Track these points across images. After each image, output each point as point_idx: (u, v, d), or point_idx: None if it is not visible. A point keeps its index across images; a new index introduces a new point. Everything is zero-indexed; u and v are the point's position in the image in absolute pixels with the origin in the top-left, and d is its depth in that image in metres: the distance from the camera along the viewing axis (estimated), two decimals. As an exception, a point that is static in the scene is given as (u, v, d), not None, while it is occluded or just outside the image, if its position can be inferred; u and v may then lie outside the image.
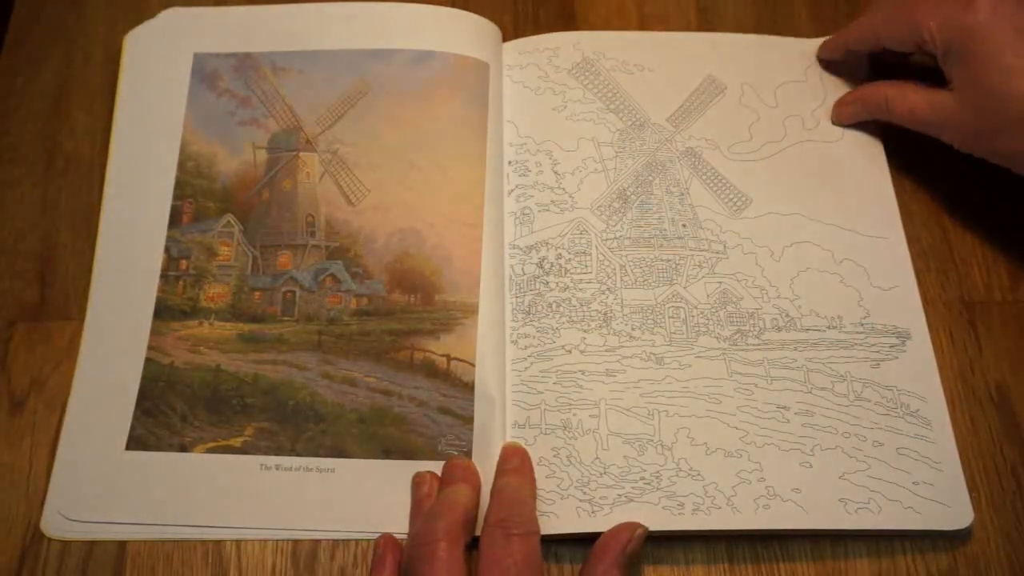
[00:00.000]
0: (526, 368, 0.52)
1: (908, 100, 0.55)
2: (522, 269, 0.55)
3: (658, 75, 0.61)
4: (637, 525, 0.45)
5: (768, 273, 0.54)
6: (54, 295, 0.55)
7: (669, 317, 0.53)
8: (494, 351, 0.52)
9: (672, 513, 0.47)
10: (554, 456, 0.49)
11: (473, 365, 0.52)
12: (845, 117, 0.59)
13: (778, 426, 0.50)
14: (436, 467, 0.49)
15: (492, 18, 0.61)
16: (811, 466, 0.49)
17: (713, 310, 0.53)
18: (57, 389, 0.52)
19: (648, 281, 0.54)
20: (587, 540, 0.48)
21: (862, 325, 0.53)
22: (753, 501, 0.48)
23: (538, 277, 0.54)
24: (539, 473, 0.49)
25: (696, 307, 0.54)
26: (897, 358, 0.52)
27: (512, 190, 0.57)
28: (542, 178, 0.57)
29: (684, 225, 0.56)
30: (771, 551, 0.48)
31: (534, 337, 0.53)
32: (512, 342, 0.53)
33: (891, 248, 0.55)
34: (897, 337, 0.53)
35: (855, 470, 0.49)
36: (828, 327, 0.53)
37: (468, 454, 0.50)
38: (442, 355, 0.52)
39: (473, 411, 0.51)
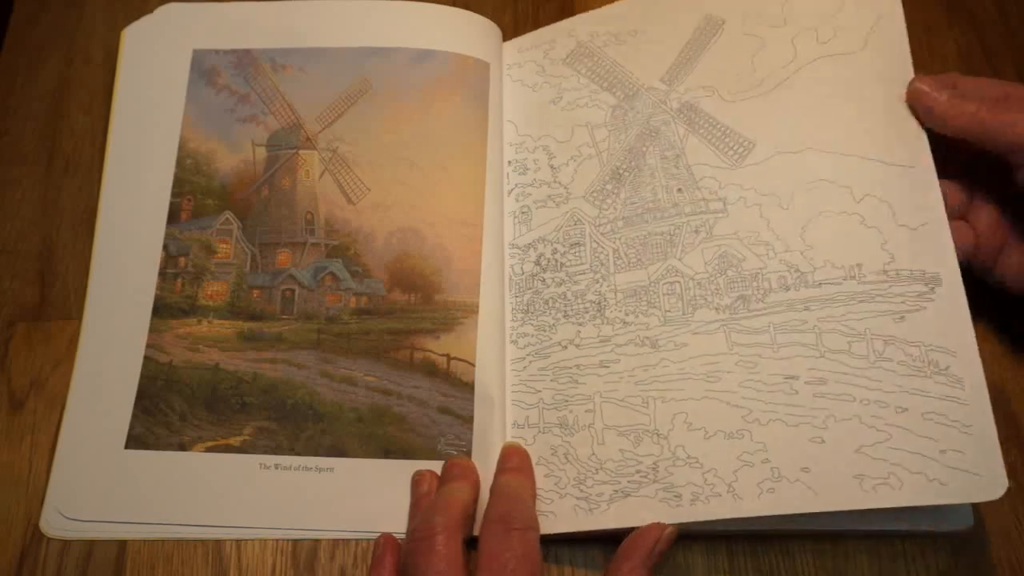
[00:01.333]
0: (525, 367, 0.52)
1: None
2: (521, 268, 0.54)
3: (651, 34, 0.58)
4: (666, 525, 0.45)
5: (775, 225, 0.50)
6: (54, 295, 0.55)
7: (664, 294, 0.51)
8: (494, 351, 0.52)
9: (670, 505, 0.46)
10: (552, 455, 0.49)
11: (473, 365, 0.52)
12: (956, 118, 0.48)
13: (785, 399, 0.46)
14: (436, 467, 0.49)
15: (492, 17, 0.61)
16: (823, 441, 0.45)
17: (711, 278, 0.50)
18: (57, 389, 0.52)
19: (642, 260, 0.52)
20: (587, 540, 0.48)
21: (885, 273, 0.47)
22: (756, 486, 0.45)
23: (536, 275, 0.54)
24: (538, 472, 0.49)
25: (692, 278, 0.50)
26: (925, 308, 0.46)
27: (512, 189, 0.57)
28: (539, 174, 0.56)
29: (679, 190, 0.53)
30: (771, 551, 0.48)
31: (532, 336, 0.52)
32: (512, 342, 0.53)
33: (920, 177, 0.48)
34: (925, 284, 0.46)
35: (874, 441, 0.44)
36: (846, 278, 0.47)
37: (468, 454, 0.50)
38: (442, 355, 0.52)
39: (473, 411, 0.51)
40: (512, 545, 0.43)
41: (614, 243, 0.53)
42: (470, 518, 0.46)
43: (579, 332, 0.51)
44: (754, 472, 0.45)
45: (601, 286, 0.52)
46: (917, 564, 0.47)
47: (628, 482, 0.47)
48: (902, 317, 0.46)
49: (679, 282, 0.51)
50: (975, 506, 0.47)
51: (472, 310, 0.53)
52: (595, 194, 0.55)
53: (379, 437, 0.50)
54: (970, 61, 0.61)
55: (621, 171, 0.55)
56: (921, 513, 0.47)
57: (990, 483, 0.42)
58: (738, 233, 0.50)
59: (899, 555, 0.47)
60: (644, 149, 0.55)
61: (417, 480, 0.49)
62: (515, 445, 0.50)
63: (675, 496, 0.46)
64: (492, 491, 0.47)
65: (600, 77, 0.58)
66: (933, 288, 0.46)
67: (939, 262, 0.47)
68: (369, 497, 0.49)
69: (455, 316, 0.53)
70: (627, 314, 0.51)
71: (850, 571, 0.47)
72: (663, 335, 0.50)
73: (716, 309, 0.49)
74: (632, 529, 0.45)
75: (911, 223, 0.48)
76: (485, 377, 0.51)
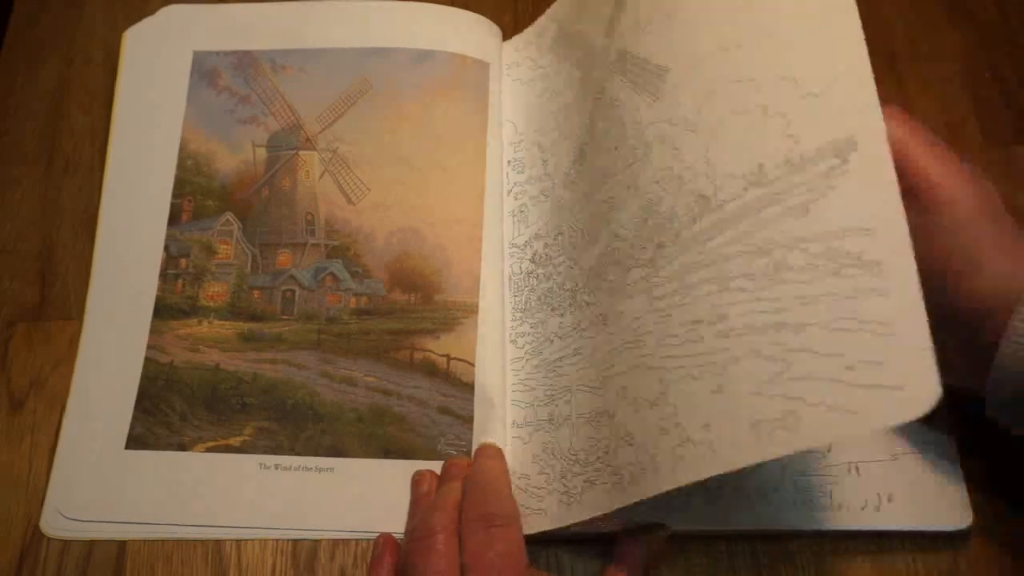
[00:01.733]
0: (523, 367, 0.52)
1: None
2: (519, 267, 0.54)
3: None
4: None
5: (685, 154, 0.43)
6: (54, 295, 0.55)
7: (610, 264, 0.46)
8: (494, 351, 0.52)
9: (617, 489, 0.41)
10: (543, 451, 0.48)
11: (473, 365, 0.52)
12: None
13: (692, 348, 0.39)
14: (436, 467, 0.49)
15: (493, 18, 0.61)
16: (720, 390, 0.37)
17: (636, 234, 0.44)
18: (57, 389, 0.52)
19: (595, 234, 0.48)
20: (587, 542, 0.48)
21: (788, 163, 0.38)
22: (671, 453, 0.38)
23: (531, 272, 0.53)
24: (532, 470, 0.48)
25: (625, 240, 0.45)
26: (834, 188, 0.36)
27: (511, 189, 0.57)
28: (534, 171, 0.56)
29: (616, 148, 0.47)
30: (771, 551, 0.48)
31: (530, 335, 0.52)
32: (511, 341, 0.53)
33: (837, 20, 0.38)
34: (836, 155, 0.37)
35: (770, 376, 0.35)
36: (748, 186, 0.39)
37: (468, 454, 0.50)
38: (442, 355, 0.52)
39: (473, 411, 0.51)
40: (494, 544, 0.42)
41: (580, 223, 0.50)
42: (469, 517, 0.46)
43: (560, 323, 0.50)
44: (669, 439, 0.39)
45: (573, 270, 0.50)
46: (917, 564, 0.47)
47: (593, 470, 0.44)
48: (806, 210, 0.37)
49: (619, 248, 0.45)
50: (975, 505, 0.47)
51: (472, 310, 0.53)
52: (567, 176, 0.53)
53: (379, 437, 0.50)
54: (970, 61, 0.61)
55: (584, 147, 0.52)
56: (921, 513, 0.47)
57: (916, 395, 0.32)
58: (655, 176, 0.44)
59: (899, 555, 0.47)
60: (597, 116, 0.50)
61: (417, 480, 0.49)
62: (491, 443, 0.50)
63: (618, 479, 0.41)
64: (467, 479, 0.47)
65: (570, 56, 0.55)
66: (846, 157, 0.36)
67: (853, 121, 0.37)
68: (369, 497, 0.49)
69: (455, 316, 0.53)
70: (590, 294, 0.47)
71: (850, 571, 0.47)
72: (610, 309, 0.45)
73: (643, 266, 0.43)
74: (621, 525, 0.45)
75: (817, 88, 0.38)
76: (485, 377, 0.51)
